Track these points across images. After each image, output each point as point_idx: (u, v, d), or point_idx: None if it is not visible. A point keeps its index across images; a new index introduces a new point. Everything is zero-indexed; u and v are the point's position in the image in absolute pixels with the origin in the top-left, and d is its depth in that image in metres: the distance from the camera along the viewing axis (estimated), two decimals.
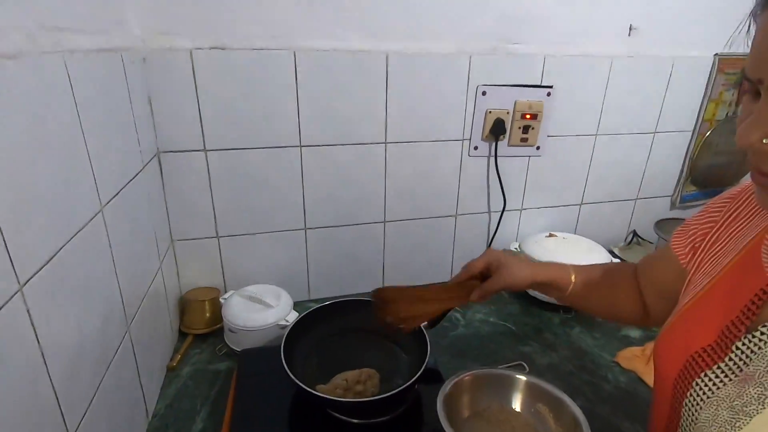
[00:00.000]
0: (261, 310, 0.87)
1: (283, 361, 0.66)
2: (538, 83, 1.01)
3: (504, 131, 1.02)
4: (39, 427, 0.42)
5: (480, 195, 1.10)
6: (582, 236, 1.14)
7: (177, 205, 0.90)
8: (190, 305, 0.93)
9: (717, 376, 0.43)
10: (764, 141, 0.34)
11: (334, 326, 0.80)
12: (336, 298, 0.84)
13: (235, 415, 0.68)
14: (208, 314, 0.93)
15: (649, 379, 0.83)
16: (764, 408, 0.38)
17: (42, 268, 0.43)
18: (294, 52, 0.85)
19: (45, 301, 0.43)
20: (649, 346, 0.91)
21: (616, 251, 1.23)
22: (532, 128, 1.04)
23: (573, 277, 0.65)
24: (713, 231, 0.51)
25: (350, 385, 0.69)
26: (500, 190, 1.08)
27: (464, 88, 0.97)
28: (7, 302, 0.38)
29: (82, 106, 0.53)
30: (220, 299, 0.93)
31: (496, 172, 1.05)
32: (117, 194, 0.62)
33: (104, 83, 0.61)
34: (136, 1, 0.74)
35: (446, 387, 0.64)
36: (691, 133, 1.20)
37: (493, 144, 1.03)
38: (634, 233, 1.28)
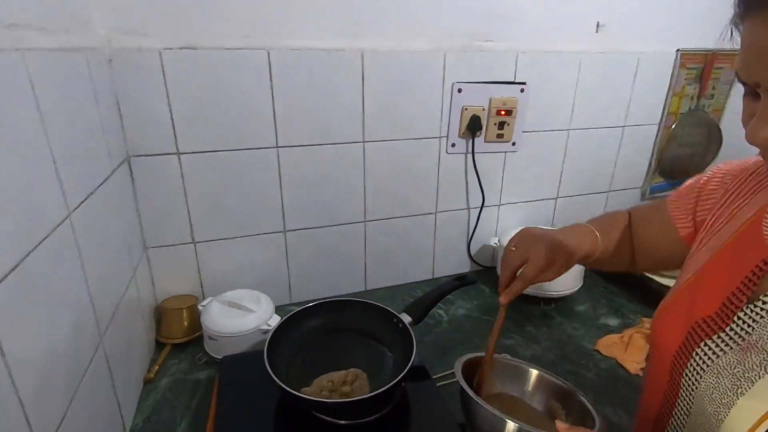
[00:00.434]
0: (241, 316, 0.85)
1: (267, 365, 0.64)
2: (512, 80, 1.03)
3: (480, 128, 1.03)
4: None
5: (459, 191, 1.11)
6: None
7: (150, 211, 0.87)
8: (167, 314, 0.90)
9: (717, 345, 0.44)
10: None
11: (318, 328, 0.79)
12: (318, 299, 0.83)
13: (218, 424, 0.66)
14: (186, 323, 0.90)
15: (629, 365, 0.85)
16: (767, 373, 0.39)
17: (6, 276, 0.40)
18: (268, 52, 0.83)
19: (10, 312, 0.41)
20: (627, 333, 0.93)
21: None
22: (508, 124, 1.06)
23: (600, 243, 0.65)
24: (715, 208, 0.53)
25: (336, 386, 0.68)
26: (478, 186, 1.09)
27: (440, 86, 0.98)
28: None
29: (45, 107, 0.50)
30: (199, 306, 0.90)
31: (474, 168, 1.07)
32: (85, 200, 0.59)
33: (68, 84, 0.58)
34: None
35: (464, 358, 0.68)
36: (657, 126, 1.25)
37: (470, 141, 1.04)
38: None
